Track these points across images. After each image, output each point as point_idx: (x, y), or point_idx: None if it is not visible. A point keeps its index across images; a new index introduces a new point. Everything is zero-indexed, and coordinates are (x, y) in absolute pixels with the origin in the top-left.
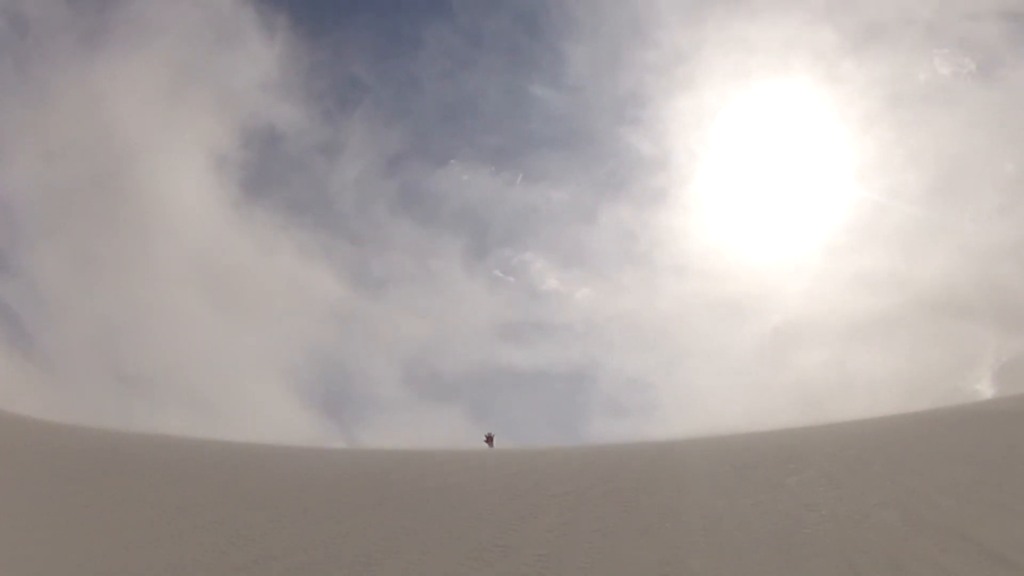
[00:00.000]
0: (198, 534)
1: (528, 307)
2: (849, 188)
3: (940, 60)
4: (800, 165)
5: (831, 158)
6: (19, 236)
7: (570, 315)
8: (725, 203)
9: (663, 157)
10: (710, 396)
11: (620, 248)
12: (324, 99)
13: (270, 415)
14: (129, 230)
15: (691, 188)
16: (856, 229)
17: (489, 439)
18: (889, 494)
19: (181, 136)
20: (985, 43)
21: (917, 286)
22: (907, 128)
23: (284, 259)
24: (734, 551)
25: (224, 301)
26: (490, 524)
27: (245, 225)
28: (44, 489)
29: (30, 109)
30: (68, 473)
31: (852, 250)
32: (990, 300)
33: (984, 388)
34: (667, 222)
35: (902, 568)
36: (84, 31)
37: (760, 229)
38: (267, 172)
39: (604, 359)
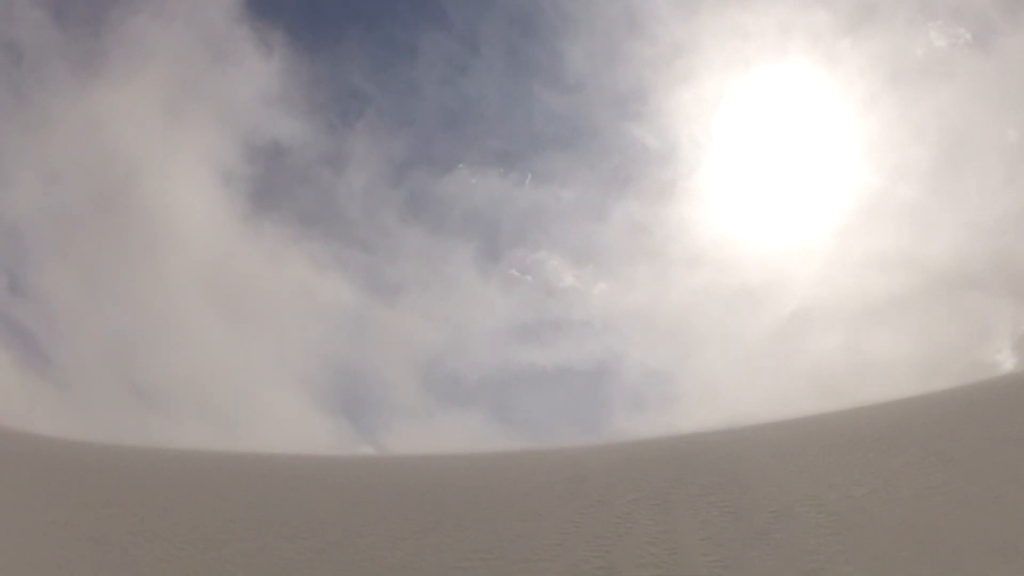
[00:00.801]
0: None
1: (545, 305)
2: (855, 169)
3: (935, 33)
4: (805, 149)
5: (835, 140)
6: (28, 258)
7: (588, 311)
8: (733, 192)
9: (668, 150)
10: (729, 385)
11: (633, 242)
12: (326, 111)
13: (288, 424)
14: (138, 247)
15: (699, 179)
16: (864, 210)
17: None
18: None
19: (185, 153)
20: (978, 11)
21: (928, 263)
22: (908, 105)
23: (296, 270)
24: (871, 550)
25: (237, 313)
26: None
27: (255, 238)
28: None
29: (30, 134)
30: (79, 496)
31: (862, 231)
32: (1002, 271)
33: (1005, 359)
34: (677, 214)
35: None
36: (80, 56)
37: (770, 216)
38: (274, 185)
39: (624, 353)
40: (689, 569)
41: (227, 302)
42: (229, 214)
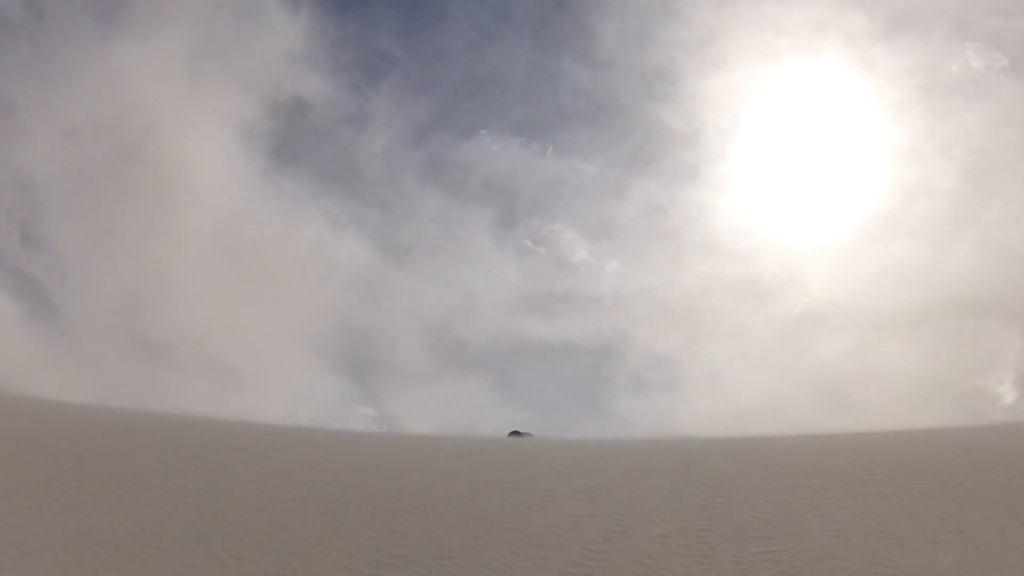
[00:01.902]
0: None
1: (556, 278)
2: (878, 175)
3: (972, 53)
4: (830, 149)
5: (861, 144)
6: (44, 211)
7: (599, 287)
8: (754, 183)
9: (693, 134)
10: (733, 376)
11: (649, 222)
12: (351, 71)
13: (295, 383)
14: (154, 202)
15: (721, 167)
16: (884, 217)
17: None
18: None
19: (205, 109)
20: (1018, 39)
21: (942, 281)
22: (938, 118)
23: (312, 227)
24: None
25: (250, 270)
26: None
27: (272, 194)
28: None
29: (51, 90)
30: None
31: (879, 239)
32: (1016, 301)
33: (1006, 391)
34: (697, 199)
35: None
36: (102, 11)
37: (789, 211)
38: (294, 142)
39: (631, 333)
40: None
41: (240, 258)
42: (247, 169)
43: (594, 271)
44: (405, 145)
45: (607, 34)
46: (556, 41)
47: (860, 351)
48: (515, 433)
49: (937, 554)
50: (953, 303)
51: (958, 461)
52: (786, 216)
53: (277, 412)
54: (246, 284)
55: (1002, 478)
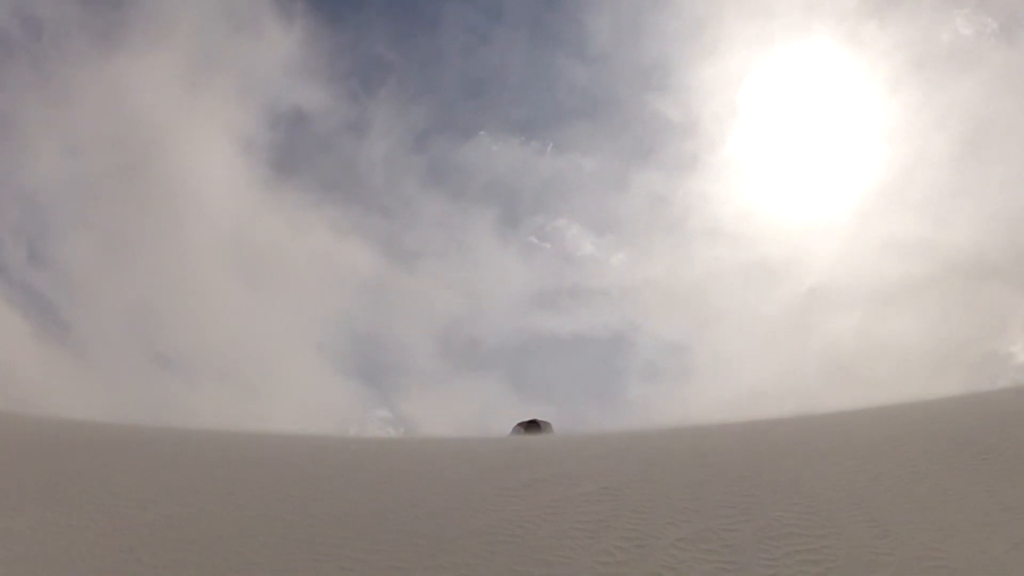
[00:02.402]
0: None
1: (563, 273)
2: (877, 151)
3: (962, 20)
4: (827, 129)
5: (857, 122)
6: (50, 228)
7: (605, 280)
8: (755, 168)
9: (691, 124)
10: (743, 360)
11: (652, 213)
12: (348, 79)
13: (309, 389)
14: (159, 216)
15: (720, 154)
16: (885, 193)
17: (530, 428)
18: None
19: (206, 123)
20: (1005, 2)
21: (946, 251)
22: (932, 90)
23: (317, 236)
24: None
25: (258, 279)
26: None
27: (276, 204)
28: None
29: (51, 107)
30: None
31: (881, 214)
32: (1021, 262)
33: (1018, 351)
34: (698, 187)
35: None
36: (100, 28)
37: (790, 193)
38: (296, 152)
39: (640, 323)
40: None
41: (248, 268)
42: (250, 181)
43: (600, 264)
44: (405, 150)
45: (600, 29)
46: (550, 39)
47: (869, 327)
48: (531, 423)
49: (989, 539)
50: (958, 271)
51: (989, 428)
52: (788, 198)
53: (292, 419)
54: (255, 294)
55: None
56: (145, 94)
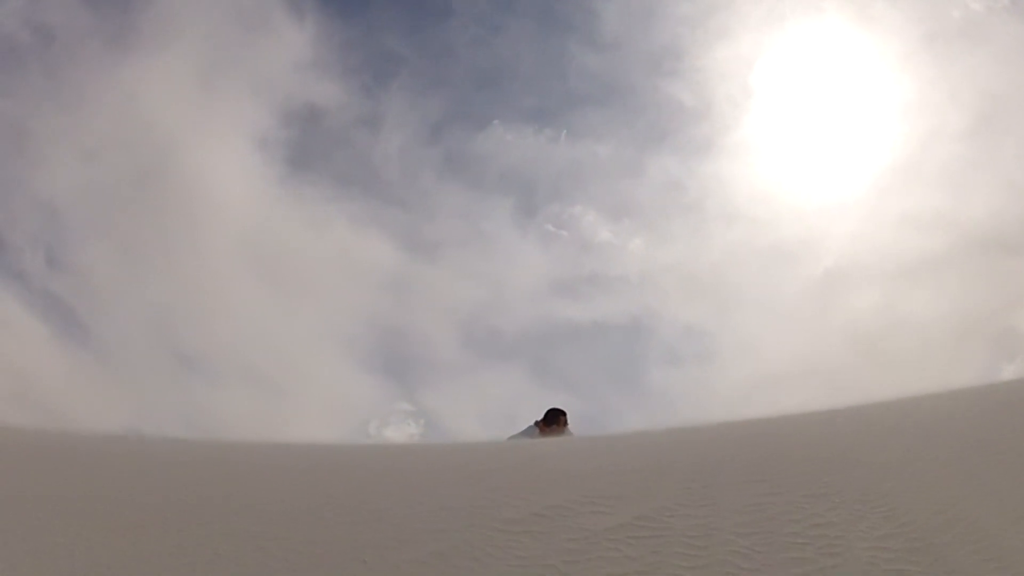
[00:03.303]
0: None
1: (582, 260)
2: (891, 128)
3: None
4: (840, 107)
5: (870, 99)
6: (67, 233)
7: (624, 266)
8: (769, 149)
9: (704, 107)
10: (765, 341)
11: (669, 198)
12: (360, 74)
13: (333, 385)
14: (176, 217)
15: (735, 136)
16: (901, 168)
17: (551, 421)
18: None
19: (220, 123)
20: None
21: (964, 225)
22: (944, 65)
23: (335, 231)
24: None
25: (277, 276)
26: None
27: (293, 201)
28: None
29: (65, 114)
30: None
31: (898, 191)
32: None
33: None
34: (714, 170)
35: None
36: (111, 34)
37: (806, 173)
38: (311, 149)
39: (660, 309)
40: None
41: (267, 267)
42: (266, 179)
43: (618, 250)
44: (420, 142)
45: (611, 15)
46: (561, 27)
47: (889, 303)
48: (553, 413)
49: None
50: (977, 244)
51: None
52: (804, 178)
53: (314, 414)
54: (275, 291)
55: None
56: (158, 97)
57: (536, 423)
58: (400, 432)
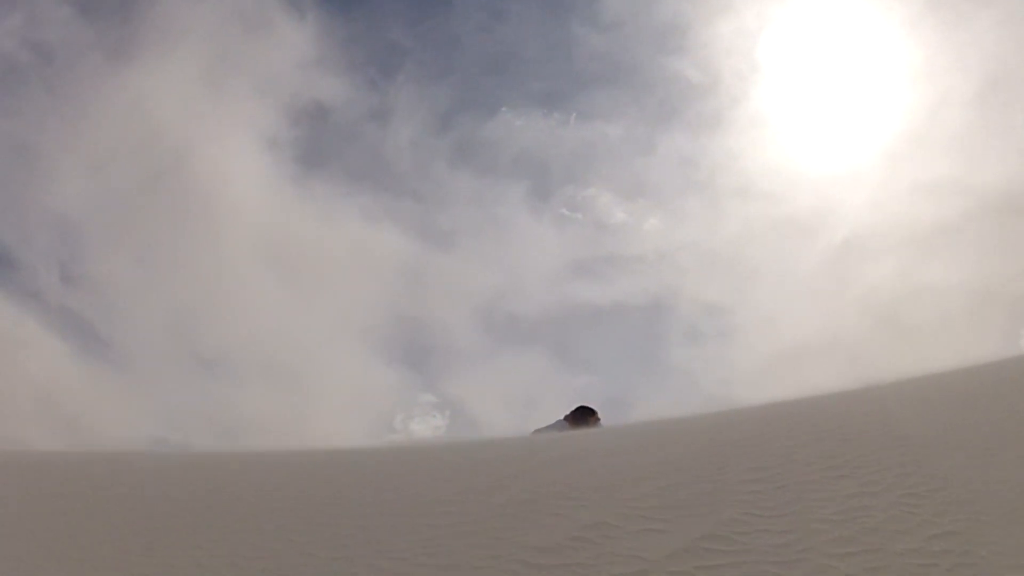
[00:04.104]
0: None
1: (598, 242)
2: (900, 95)
3: None
4: (848, 76)
5: (878, 66)
6: (82, 246)
7: (641, 246)
8: (779, 121)
9: (712, 82)
10: (784, 314)
11: (682, 175)
12: (366, 68)
13: (354, 378)
14: (190, 222)
15: (744, 110)
16: (911, 136)
17: (581, 420)
18: None
19: (228, 126)
20: None
21: (977, 190)
22: (949, 30)
23: (350, 226)
24: None
25: (295, 274)
26: None
27: (306, 198)
28: None
29: (72, 127)
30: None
31: (909, 158)
32: None
33: None
34: (724, 145)
35: None
36: (111, 45)
37: (817, 143)
38: (321, 145)
39: (678, 286)
40: None
41: (283, 265)
42: (279, 178)
43: (634, 230)
44: (430, 133)
45: None
46: (564, 9)
47: (906, 272)
48: (583, 411)
49: None
50: (991, 209)
51: None
52: (815, 149)
53: (339, 410)
54: (293, 289)
55: None
56: (164, 104)
57: (564, 418)
58: (426, 425)
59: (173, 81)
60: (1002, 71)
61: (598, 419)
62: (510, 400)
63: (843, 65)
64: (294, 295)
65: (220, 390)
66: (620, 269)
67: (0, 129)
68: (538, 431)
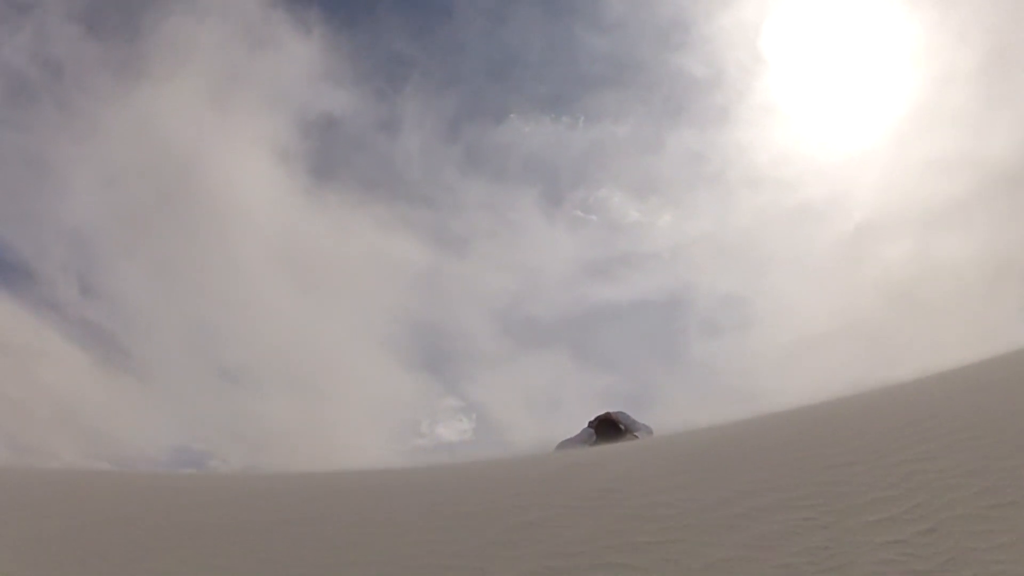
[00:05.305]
0: None
1: (613, 242)
2: (903, 74)
3: None
4: (851, 59)
5: (880, 47)
6: (99, 260)
7: (655, 243)
8: (786, 110)
9: (716, 76)
10: (803, 302)
11: (692, 171)
12: (373, 79)
13: (376, 386)
14: (205, 235)
15: (750, 101)
16: (918, 114)
17: (604, 425)
18: None
19: (239, 140)
20: None
21: (988, 163)
22: (949, 5)
23: (364, 235)
24: None
25: (311, 285)
26: None
27: (320, 210)
28: None
29: (84, 144)
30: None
31: (918, 137)
32: None
33: None
34: (733, 138)
35: None
36: (120, 62)
37: (824, 129)
38: (332, 157)
39: (695, 281)
40: None
41: (299, 276)
42: (291, 191)
43: (648, 228)
44: (439, 141)
45: None
46: (565, 12)
47: (921, 251)
48: (606, 424)
49: None
50: (1002, 182)
51: None
52: (823, 135)
53: (362, 419)
54: (310, 300)
55: None
56: (174, 121)
57: (591, 424)
58: (452, 429)
59: (183, 96)
60: (1003, 43)
61: (625, 430)
62: (533, 401)
63: (846, 50)
64: (312, 304)
65: (241, 401)
66: (636, 267)
67: (13, 144)
68: (564, 443)
